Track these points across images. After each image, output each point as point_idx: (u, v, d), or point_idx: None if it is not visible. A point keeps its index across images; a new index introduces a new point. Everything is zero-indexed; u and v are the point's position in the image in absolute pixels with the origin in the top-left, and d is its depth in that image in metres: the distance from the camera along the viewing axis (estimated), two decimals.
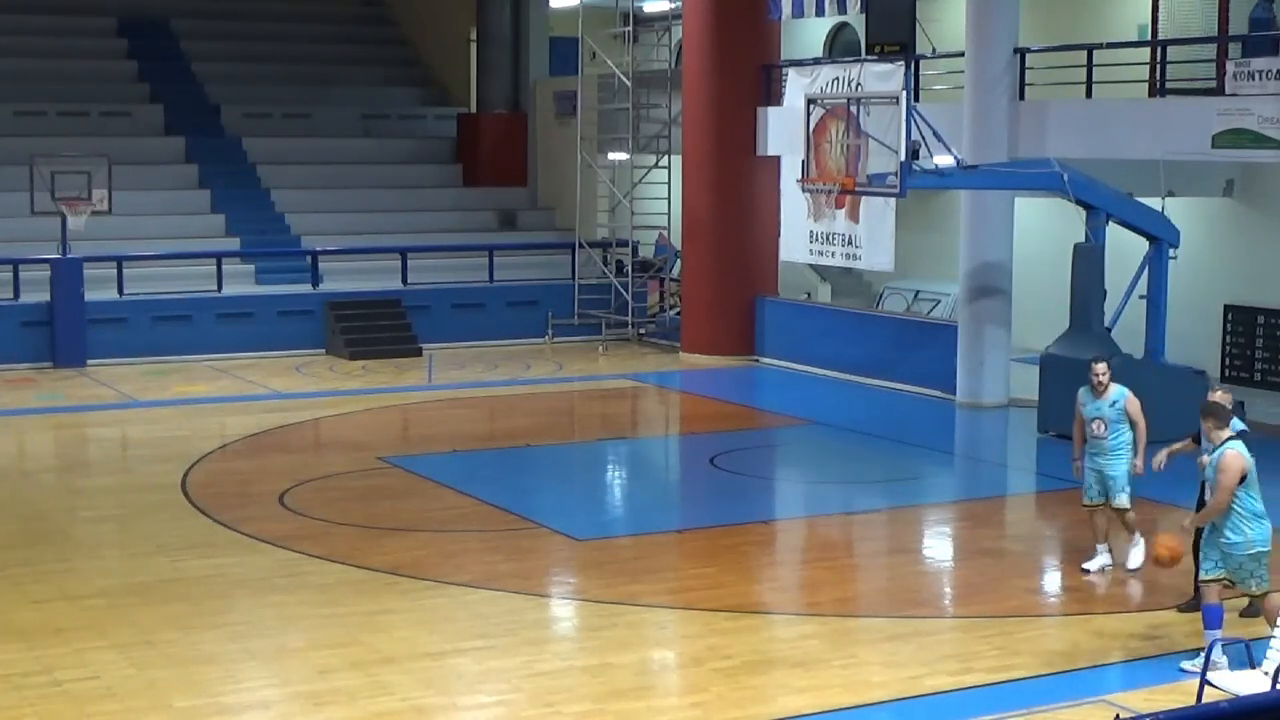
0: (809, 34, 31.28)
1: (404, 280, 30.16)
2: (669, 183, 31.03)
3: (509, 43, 34.97)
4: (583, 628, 13.48)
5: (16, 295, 27.61)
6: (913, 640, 12.57)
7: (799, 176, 22.74)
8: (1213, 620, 11.56)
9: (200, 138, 33.17)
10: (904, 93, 20.34)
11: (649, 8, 31.43)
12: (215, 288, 28.83)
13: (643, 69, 31.32)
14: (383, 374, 26.69)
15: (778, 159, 27.16)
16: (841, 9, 25.93)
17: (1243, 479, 11.40)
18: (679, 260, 30.41)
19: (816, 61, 27.82)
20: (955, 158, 21.01)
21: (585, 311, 30.85)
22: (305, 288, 29.52)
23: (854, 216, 25.32)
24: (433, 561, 14.80)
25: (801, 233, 26.70)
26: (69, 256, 27.61)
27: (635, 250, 31.80)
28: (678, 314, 29.84)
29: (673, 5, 30.20)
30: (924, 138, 20.23)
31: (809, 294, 30.43)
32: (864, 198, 23.82)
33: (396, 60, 38.29)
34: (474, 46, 36.20)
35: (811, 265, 29.27)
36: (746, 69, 27.85)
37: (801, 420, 22.90)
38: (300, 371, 26.93)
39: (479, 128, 34.83)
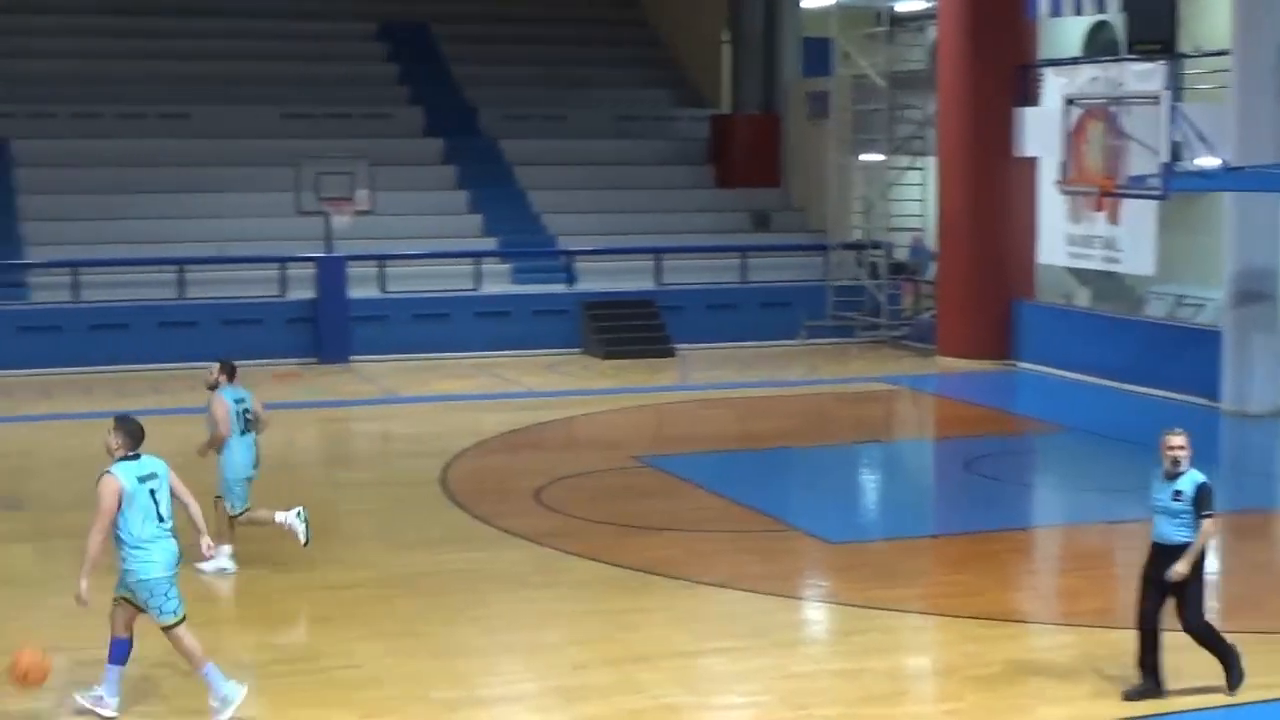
0: (1066, 33, 30.67)
1: (657, 281, 30.35)
2: (923, 184, 30.73)
3: (762, 44, 34.96)
4: (835, 631, 13.41)
5: (284, 293, 28.46)
6: (1174, 654, 12.24)
7: (1057, 178, 22.34)
8: None
9: (459, 139, 33.80)
10: (1165, 92, 19.85)
11: (903, 7, 31.15)
12: (473, 287, 29.36)
13: (897, 69, 31.06)
14: (636, 373, 26.90)
15: (1035, 160, 26.68)
16: (1100, 7, 25.40)
17: None
18: (934, 262, 30.08)
19: (1075, 61, 27.25)
20: (1220, 159, 20.43)
21: (838, 313, 30.70)
22: (561, 287, 29.91)
23: (1114, 219, 24.73)
24: (685, 561, 14.85)
25: (1060, 235, 26.19)
26: (333, 255, 28.36)
27: (889, 252, 31.55)
28: (932, 316, 29.52)
29: (928, 5, 29.89)
30: (1187, 138, 19.71)
31: (1067, 298, 29.87)
32: (1125, 200, 23.29)
33: (650, 62, 38.53)
34: (727, 48, 36.29)
35: (1070, 268, 28.72)
36: (1003, 68, 27.43)
37: (1059, 426, 22.49)
38: (555, 370, 27.28)
39: (732, 129, 34.87)
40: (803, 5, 34.14)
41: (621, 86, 37.12)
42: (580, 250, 30.64)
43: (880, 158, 31.20)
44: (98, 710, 10.72)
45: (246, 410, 14.50)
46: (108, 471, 10.65)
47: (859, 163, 31.86)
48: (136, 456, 10.76)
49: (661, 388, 25.69)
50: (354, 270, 28.42)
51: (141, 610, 10.75)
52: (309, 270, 28.38)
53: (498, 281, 30.00)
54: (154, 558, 10.58)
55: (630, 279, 30.39)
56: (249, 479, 14.55)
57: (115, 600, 10.85)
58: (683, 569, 14.53)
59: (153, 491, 10.67)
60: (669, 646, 12.33)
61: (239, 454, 14.44)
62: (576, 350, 29.00)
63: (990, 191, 27.49)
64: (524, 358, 28.31)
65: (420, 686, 11.40)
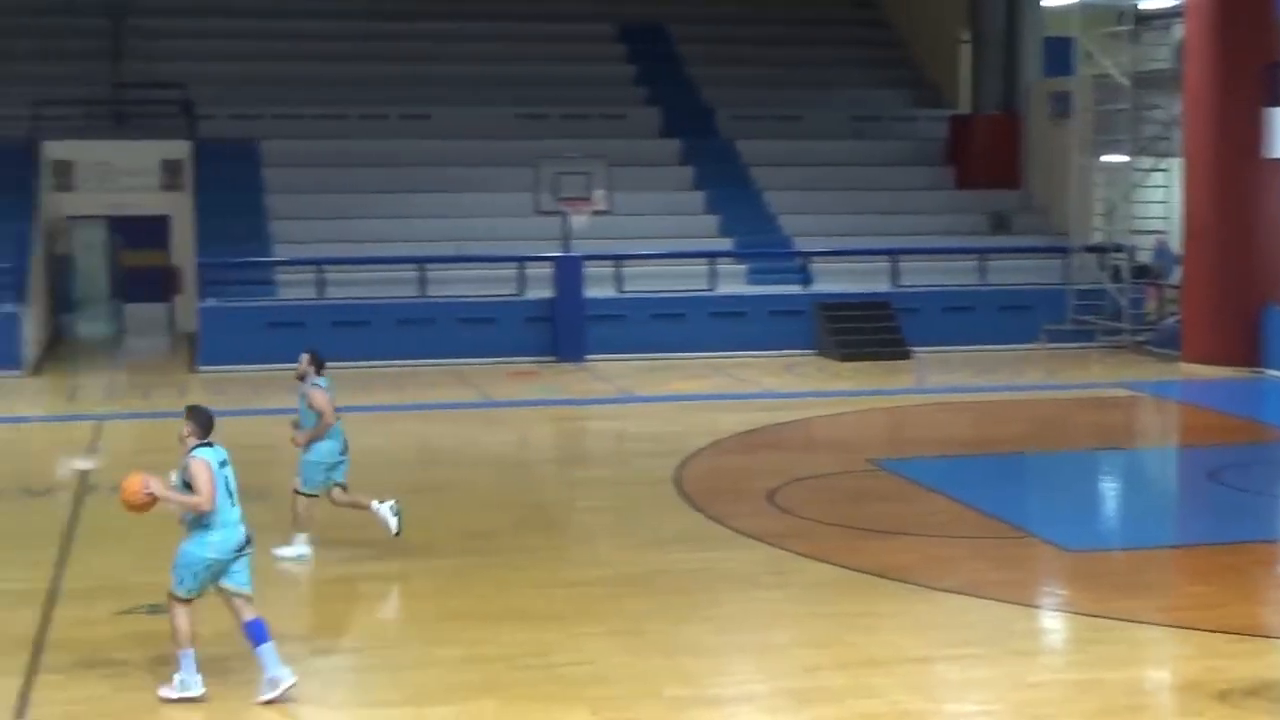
0: None
1: (894, 282, 30.09)
2: (1168, 186, 29.99)
3: (1002, 43, 34.45)
4: (1072, 641, 13.12)
5: (521, 292, 28.81)
6: None
7: None
8: None
9: (695, 140, 33.90)
10: None
11: (1148, 5, 30.45)
12: (709, 287, 29.42)
13: (1141, 69, 30.35)
14: (871, 376, 26.69)
15: None
16: None
17: None
18: (1178, 266, 29.32)
19: None
20: None
21: (1079, 317, 30.11)
22: (796, 288, 29.82)
23: None
24: (920, 566, 14.65)
25: None
26: (570, 255, 28.64)
27: (1132, 255, 30.85)
28: (1177, 321, 28.77)
29: (1174, 3, 29.17)
30: None
31: None
32: None
33: (887, 62, 38.23)
34: (966, 48, 35.82)
35: None
36: (1251, 67, 26.64)
37: None
38: (791, 371, 27.19)
39: (972, 129, 34.44)
40: (1044, 4, 33.58)
41: (858, 87, 36.89)
42: (816, 251, 30.52)
43: (1123, 159, 30.53)
44: (281, 687, 10.89)
45: (331, 399, 14.92)
46: (195, 455, 10.89)
47: (1101, 164, 31.22)
48: (210, 444, 11.02)
49: (897, 390, 25.46)
50: (590, 270, 28.68)
51: (234, 592, 11.01)
52: (546, 270, 28.70)
53: (733, 282, 30.01)
54: (218, 538, 10.87)
55: (866, 280, 30.19)
56: (332, 464, 14.88)
57: (218, 592, 11.07)
58: (917, 574, 14.33)
59: (227, 479, 10.98)
60: (902, 652, 12.18)
61: (328, 440, 14.87)
62: (811, 351, 28.89)
63: (1238, 193, 26.73)
64: (759, 358, 28.28)
65: (650, 685, 11.41)
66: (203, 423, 11.03)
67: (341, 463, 14.98)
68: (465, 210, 31.10)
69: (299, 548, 14.82)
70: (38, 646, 12.06)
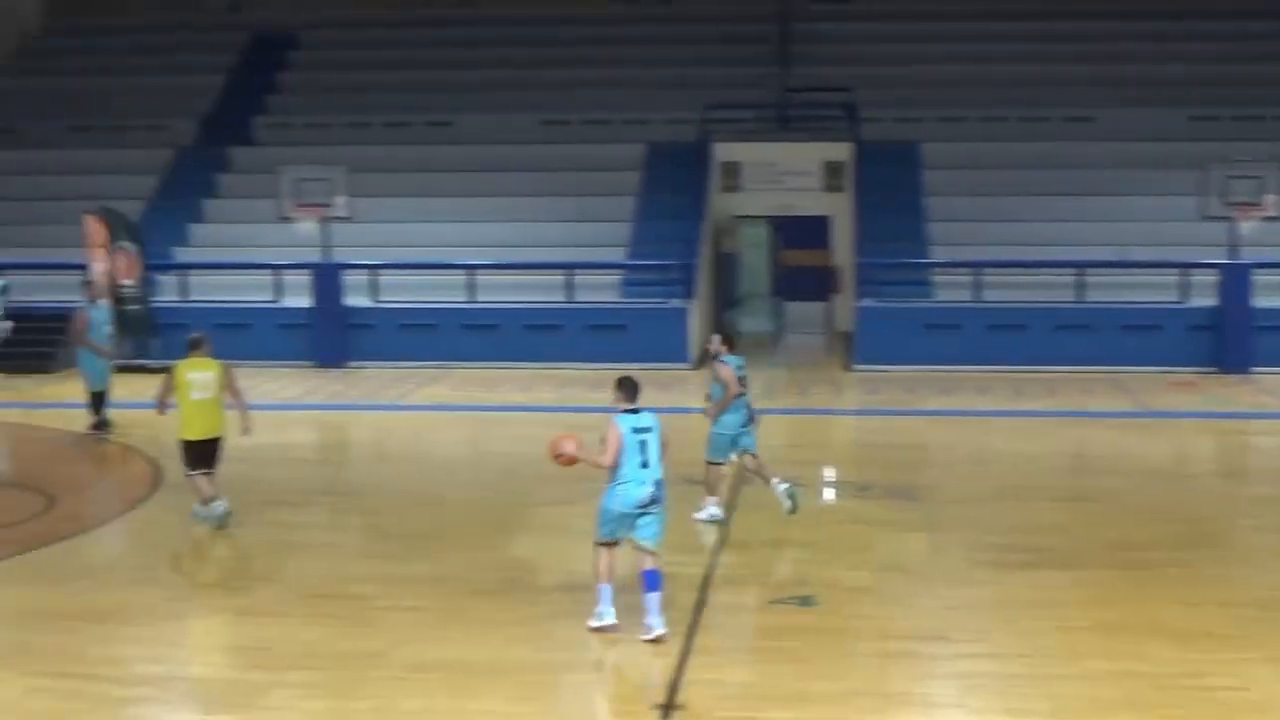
0: None
1: None
2: None
3: None
4: None
5: (1184, 299, 27.84)
6: None
7: None
8: None
9: None
10: None
11: None
12: None
13: None
14: None
15: None
16: None
17: None
18: None
19: None
20: None
21: None
22: None
23: None
24: None
25: None
26: (1238, 262, 27.44)
27: None
28: None
29: None
30: None
31: None
32: None
33: None
34: None
35: None
36: None
37: None
38: None
39: None
40: None
41: None
42: None
43: None
44: (652, 634, 12.17)
45: (743, 376, 16.09)
46: (613, 419, 12.31)
47: None
48: (636, 411, 12.35)
49: None
50: (1259, 278, 27.41)
51: (638, 544, 12.40)
52: (1211, 277, 27.61)
53: None
54: (622, 493, 12.23)
55: None
56: (736, 435, 16.05)
57: (628, 542, 12.47)
58: None
59: (643, 442, 12.24)
60: None
61: (731, 414, 16.04)
62: None
63: None
64: None
65: None
66: (627, 392, 12.44)
67: (744, 433, 16.14)
68: (1127, 214, 30.30)
69: (710, 509, 16.12)
70: (692, 629, 12.55)
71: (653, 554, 12.36)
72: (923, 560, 14.86)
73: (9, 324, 27.77)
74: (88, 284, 23.88)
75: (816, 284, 34.22)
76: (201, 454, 16.10)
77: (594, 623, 12.47)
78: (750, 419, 16.22)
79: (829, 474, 19.45)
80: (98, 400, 21.87)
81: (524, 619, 12.98)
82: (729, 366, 15.97)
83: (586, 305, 28.37)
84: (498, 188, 31.91)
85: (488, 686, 11.40)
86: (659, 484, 12.40)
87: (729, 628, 12.72)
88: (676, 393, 23.14)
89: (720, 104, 32.65)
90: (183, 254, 30.67)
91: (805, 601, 13.17)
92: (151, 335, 27.67)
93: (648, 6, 37.53)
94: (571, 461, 12.47)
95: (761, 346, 32.67)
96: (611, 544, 12.46)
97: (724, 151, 32.78)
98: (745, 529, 16.02)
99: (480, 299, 28.75)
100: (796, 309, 36.28)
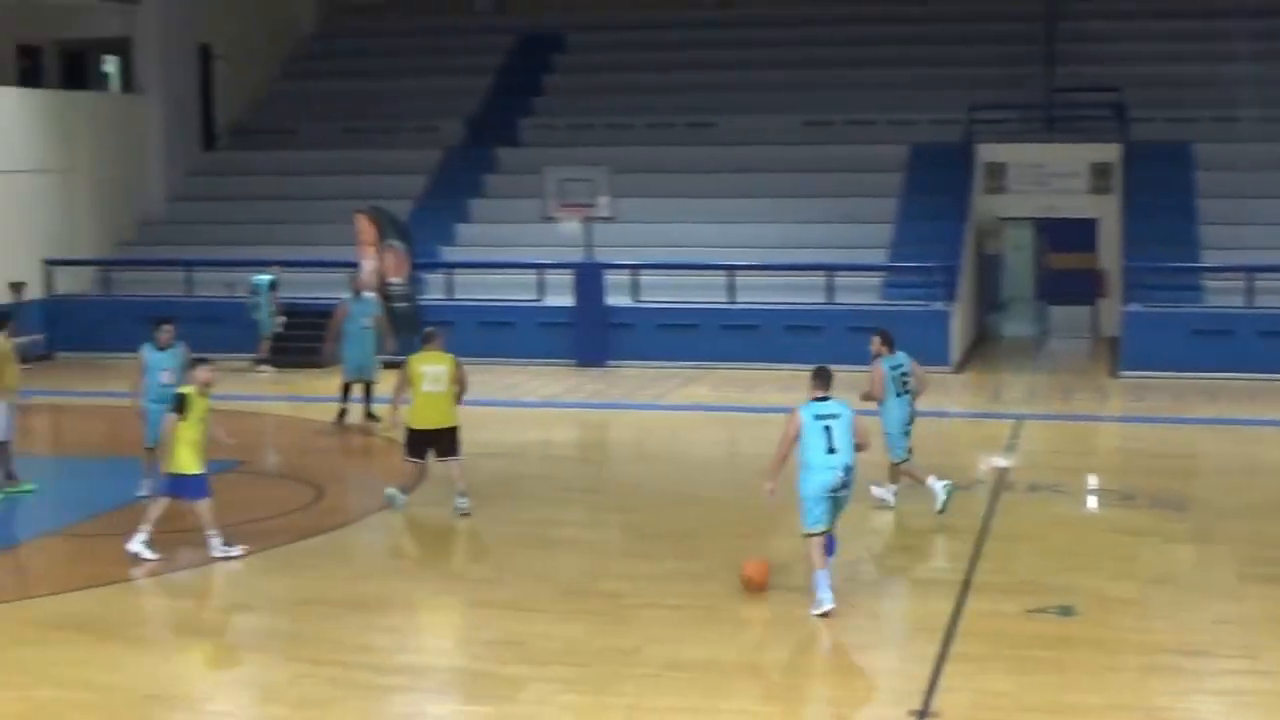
0: None
1: None
2: None
3: None
4: None
5: None
6: None
7: None
8: None
9: None
10: None
11: None
12: None
13: None
14: None
15: None
16: None
17: None
18: None
19: None
20: None
21: None
22: None
23: None
24: None
25: None
26: None
27: None
28: None
29: None
30: None
31: None
32: None
33: None
34: None
35: None
36: None
37: None
38: None
39: None
40: None
41: None
42: None
43: None
44: (820, 608, 12.80)
45: (904, 375, 16.90)
46: (794, 408, 13.27)
47: None
48: (825, 399, 13.26)
49: None
50: None
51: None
52: None
53: None
54: (812, 479, 12.98)
55: None
56: (906, 433, 16.77)
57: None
58: None
59: (828, 428, 13.03)
60: None
61: (895, 412, 16.79)
62: None
63: None
64: None
65: None
66: (819, 381, 13.45)
67: (907, 432, 16.86)
68: None
69: (885, 491, 16.99)
70: (949, 635, 12.41)
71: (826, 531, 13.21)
72: (1190, 572, 14.49)
73: (281, 319, 28.66)
74: (355, 279, 24.57)
75: (1082, 287, 33.50)
76: (425, 443, 16.78)
77: (816, 610, 12.79)
78: (912, 418, 16.93)
79: (1092, 482, 19.04)
80: (355, 391, 22.61)
81: (778, 619, 12.98)
82: (881, 368, 16.81)
83: (847, 307, 28.17)
84: (759, 188, 31.91)
85: (741, 686, 11.42)
86: (848, 469, 13.05)
87: (986, 635, 12.53)
88: (939, 395, 22.85)
89: (985, 104, 32.20)
90: (449, 253, 31.27)
91: (1065, 611, 12.93)
92: (418, 333, 28.30)
93: (911, 6, 37.19)
94: (757, 583, 13.57)
95: (1024, 351, 32.16)
96: (820, 533, 13.01)
97: (988, 152, 32.30)
98: (1005, 536, 15.78)
99: (740, 299, 28.78)
100: (1061, 313, 35.57)
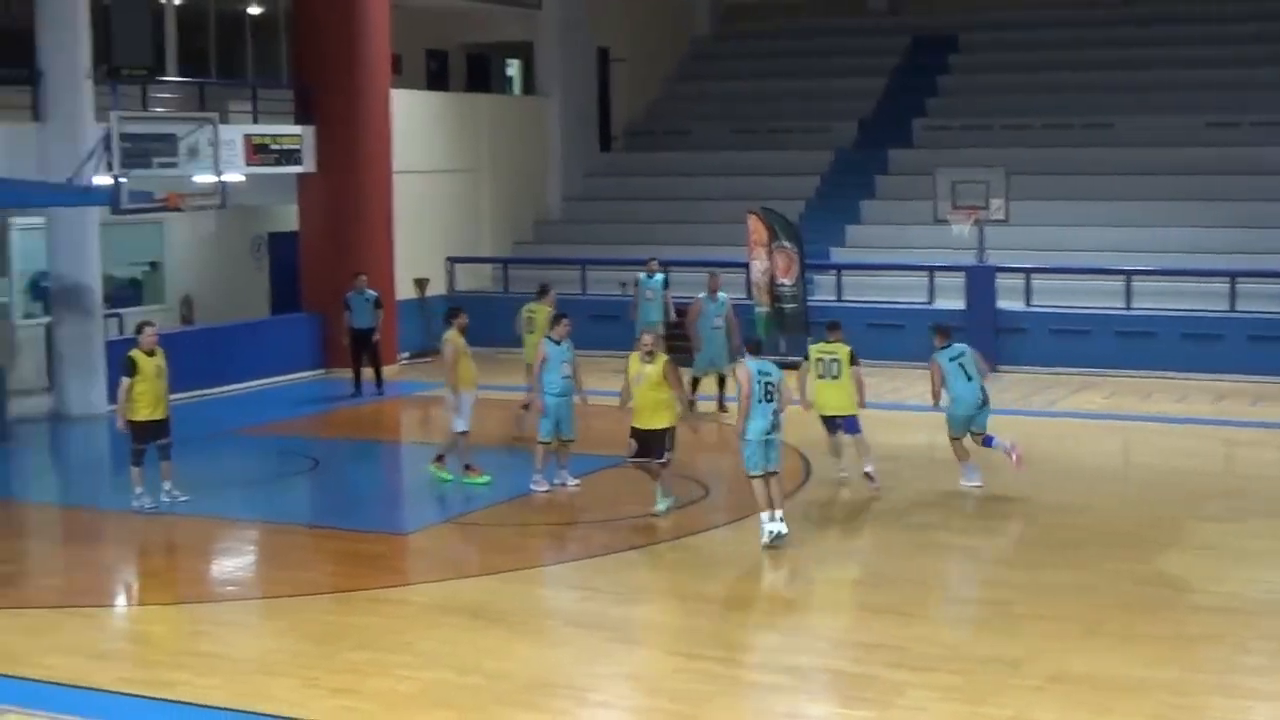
0: None
1: None
2: None
3: None
4: None
5: None
6: None
7: None
8: None
9: None
10: None
11: None
12: None
13: None
14: None
15: None
16: None
17: None
18: None
19: None
20: None
21: None
22: None
23: None
24: None
25: None
26: None
27: None
28: None
29: None
30: None
31: None
32: None
33: None
34: None
35: None
36: None
37: None
38: None
39: None
40: None
41: None
42: None
43: None
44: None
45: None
46: (934, 357, 17.71)
47: None
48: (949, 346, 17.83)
49: None
50: None
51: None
52: None
53: None
54: (955, 412, 17.75)
55: None
56: (969, 416, 18.12)
57: None
58: None
59: (961, 365, 17.81)
60: None
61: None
62: None
63: None
64: None
65: None
66: (944, 334, 18.13)
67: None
68: None
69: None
70: None
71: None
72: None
73: (672, 317, 29.04)
74: (711, 279, 24.83)
75: None
76: (830, 428, 18.50)
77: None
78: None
79: None
80: (709, 385, 23.45)
81: (1172, 636, 12.54)
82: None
83: (1250, 314, 27.05)
84: (1158, 191, 30.89)
85: (1129, 705, 11.07)
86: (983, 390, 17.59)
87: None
88: None
89: None
90: (839, 254, 31.19)
91: None
92: (807, 334, 28.31)
93: None
94: None
95: None
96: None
97: None
98: None
99: (1136, 305, 27.92)
100: None
